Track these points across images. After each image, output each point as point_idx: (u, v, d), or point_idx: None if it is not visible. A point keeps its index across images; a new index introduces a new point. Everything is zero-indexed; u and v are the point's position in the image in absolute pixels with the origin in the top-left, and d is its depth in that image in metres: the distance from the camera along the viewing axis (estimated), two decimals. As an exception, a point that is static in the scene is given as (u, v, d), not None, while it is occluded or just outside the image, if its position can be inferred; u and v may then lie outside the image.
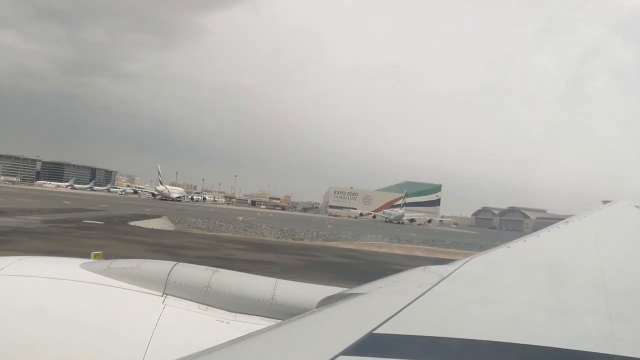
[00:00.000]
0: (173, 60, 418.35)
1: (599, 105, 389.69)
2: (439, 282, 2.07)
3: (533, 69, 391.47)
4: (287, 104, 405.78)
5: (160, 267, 2.87)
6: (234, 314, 2.74)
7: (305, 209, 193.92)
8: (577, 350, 1.26)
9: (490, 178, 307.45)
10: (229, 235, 36.00)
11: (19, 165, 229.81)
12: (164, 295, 2.74)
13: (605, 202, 6.12)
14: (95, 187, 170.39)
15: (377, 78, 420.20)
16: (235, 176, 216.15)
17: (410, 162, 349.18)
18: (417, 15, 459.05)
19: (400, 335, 1.33)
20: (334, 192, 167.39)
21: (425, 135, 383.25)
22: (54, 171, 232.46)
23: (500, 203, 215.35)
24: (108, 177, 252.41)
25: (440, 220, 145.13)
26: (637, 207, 5.66)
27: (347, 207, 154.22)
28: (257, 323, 2.64)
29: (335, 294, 2.24)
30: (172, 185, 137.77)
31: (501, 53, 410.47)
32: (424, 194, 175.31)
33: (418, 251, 36.47)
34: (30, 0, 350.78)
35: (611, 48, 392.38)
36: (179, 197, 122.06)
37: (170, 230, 36.26)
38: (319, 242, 37.08)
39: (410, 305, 1.60)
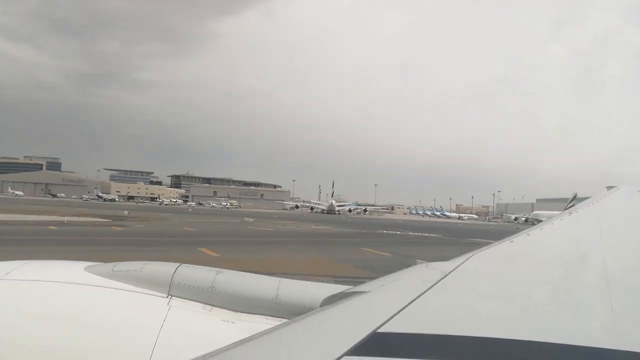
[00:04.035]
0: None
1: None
2: (442, 278, 2.01)
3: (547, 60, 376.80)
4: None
5: (164, 268, 2.87)
6: (239, 313, 2.71)
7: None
8: (584, 346, 1.26)
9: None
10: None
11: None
12: (169, 296, 2.74)
13: (609, 187, 5.80)
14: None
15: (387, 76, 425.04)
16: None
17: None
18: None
19: (404, 333, 1.32)
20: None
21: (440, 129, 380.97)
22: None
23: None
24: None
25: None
26: None
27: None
28: (261, 322, 2.61)
29: (339, 293, 2.21)
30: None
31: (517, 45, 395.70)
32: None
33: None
34: (43, 14, 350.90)
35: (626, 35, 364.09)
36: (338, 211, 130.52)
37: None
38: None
39: (413, 303, 1.59)
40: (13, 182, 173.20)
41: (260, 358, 1.24)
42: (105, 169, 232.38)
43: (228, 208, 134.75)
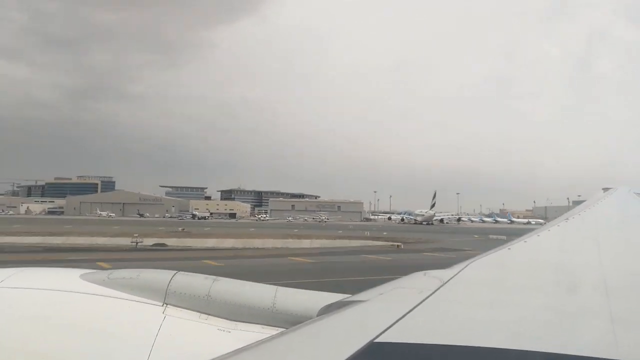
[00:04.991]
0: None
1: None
2: (440, 287, 2.01)
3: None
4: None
5: (160, 276, 2.88)
6: (235, 322, 2.70)
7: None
8: (584, 356, 1.24)
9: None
10: None
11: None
12: (164, 305, 2.74)
13: (605, 189, 5.66)
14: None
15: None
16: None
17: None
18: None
19: (402, 343, 1.31)
20: None
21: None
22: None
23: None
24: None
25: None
26: (637, 194, 5.58)
27: None
28: (258, 332, 2.59)
29: (336, 302, 2.17)
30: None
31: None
32: None
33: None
34: (35, 30, 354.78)
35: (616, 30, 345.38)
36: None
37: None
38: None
39: (411, 312, 1.60)
40: (91, 202, 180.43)
41: None
42: (160, 186, 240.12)
43: (325, 221, 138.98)
